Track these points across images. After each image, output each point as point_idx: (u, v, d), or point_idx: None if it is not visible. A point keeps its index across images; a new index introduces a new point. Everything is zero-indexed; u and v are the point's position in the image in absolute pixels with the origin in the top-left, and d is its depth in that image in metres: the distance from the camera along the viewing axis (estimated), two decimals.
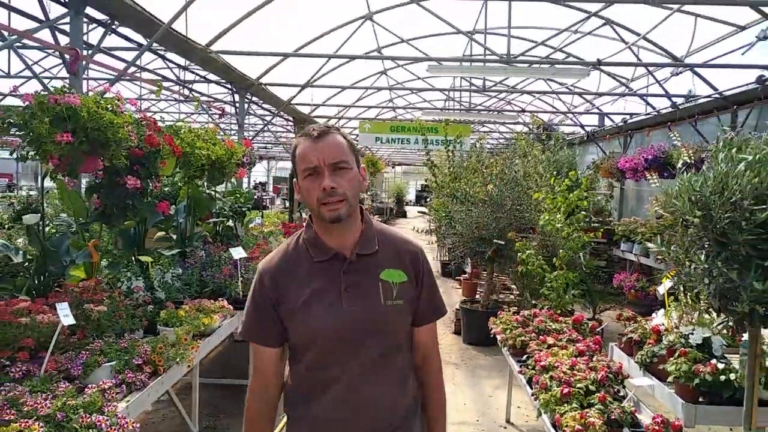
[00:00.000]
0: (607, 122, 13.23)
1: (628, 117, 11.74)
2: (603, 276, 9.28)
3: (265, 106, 12.33)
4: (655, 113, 10.59)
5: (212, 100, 11.22)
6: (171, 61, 9.37)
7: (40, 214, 3.62)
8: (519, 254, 5.84)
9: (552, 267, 5.69)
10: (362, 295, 1.65)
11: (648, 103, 10.79)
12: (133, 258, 4.40)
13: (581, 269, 6.13)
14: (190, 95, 9.67)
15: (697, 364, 2.92)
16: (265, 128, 13.64)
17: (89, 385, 2.42)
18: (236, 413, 4.75)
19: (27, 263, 3.64)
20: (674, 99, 9.37)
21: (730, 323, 2.40)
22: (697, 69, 8.38)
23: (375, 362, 1.66)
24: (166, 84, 9.41)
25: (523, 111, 14.35)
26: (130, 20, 5.26)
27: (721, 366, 2.89)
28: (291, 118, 13.83)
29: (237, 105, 9.42)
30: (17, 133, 3.17)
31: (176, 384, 3.69)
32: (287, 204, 22.60)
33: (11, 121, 3.10)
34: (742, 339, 3.00)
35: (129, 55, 8.35)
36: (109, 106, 3.26)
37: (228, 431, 4.44)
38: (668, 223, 2.60)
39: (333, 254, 1.67)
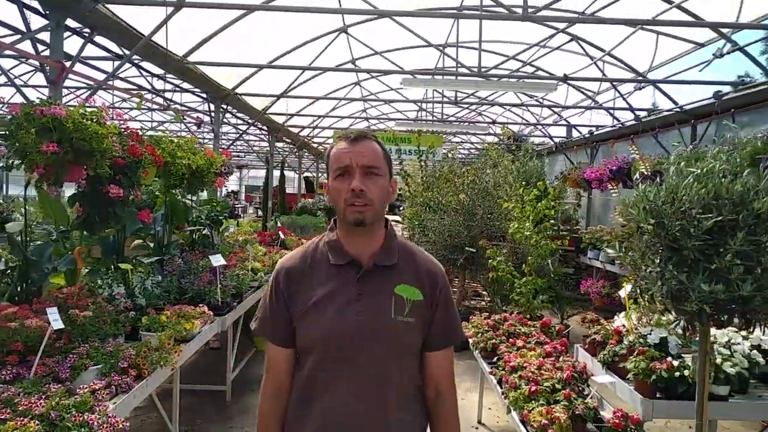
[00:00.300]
0: (575, 134, 13.62)
1: (594, 129, 12.12)
2: (571, 282, 9.58)
3: (239, 115, 12.39)
4: (620, 125, 10.97)
5: (187, 109, 11.24)
6: (146, 70, 9.39)
7: (22, 223, 3.67)
8: (490, 261, 6.04)
9: (521, 273, 5.90)
10: (373, 305, 1.62)
11: (613, 116, 11.17)
12: (112, 265, 4.47)
13: (549, 276, 6.36)
14: (166, 104, 9.69)
15: (654, 362, 3.13)
16: (240, 137, 13.65)
17: (80, 386, 2.51)
18: (214, 418, 4.83)
19: (9, 271, 3.69)
20: (637, 112, 9.74)
21: (682, 322, 2.60)
22: (658, 84, 8.75)
23: (375, 378, 1.61)
24: (137, 91, 9.43)
25: (494, 122, 14.67)
26: (111, 32, 5.33)
27: (676, 363, 3.11)
28: (265, 128, 13.90)
29: (212, 114, 9.48)
30: (2, 142, 3.25)
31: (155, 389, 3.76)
32: (260, 213, 22.64)
33: None
34: (696, 338, 3.22)
35: (104, 64, 8.42)
36: (93, 117, 3.35)
37: None
38: (631, 231, 2.80)
39: (350, 260, 1.66)
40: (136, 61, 8.42)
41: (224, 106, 9.85)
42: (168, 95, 10.68)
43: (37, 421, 2.16)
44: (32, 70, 10.87)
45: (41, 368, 2.65)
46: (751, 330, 2.50)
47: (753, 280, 2.33)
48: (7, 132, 3.16)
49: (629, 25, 7.19)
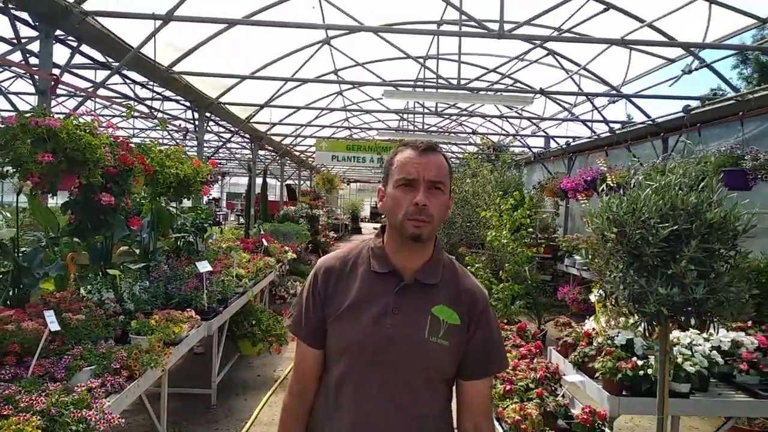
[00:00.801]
0: (553, 144, 13.95)
1: (571, 140, 12.45)
2: (548, 289, 9.83)
3: (222, 123, 12.49)
4: (596, 137, 11.30)
5: (171, 117, 11.32)
6: (130, 79, 9.47)
7: (14, 230, 3.77)
8: (468, 268, 6.24)
9: (499, 280, 6.11)
10: (408, 321, 1.57)
11: (589, 128, 11.50)
12: (101, 271, 4.57)
13: (526, 282, 6.58)
14: (151, 113, 9.78)
15: (620, 361, 3.33)
16: (224, 146, 13.74)
17: (77, 385, 2.63)
18: (200, 421, 4.94)
19: (1, 276, 3.78)
20: (611, 125, 10.06)
21: (644, 324, 2.80)
22: (631, 98, 9.06)
23: (401, 401, 1.57)
24: (123, 101, 9.50)
25: (474, 132, 14.94)
26: (99, 44, 5.44)
27: (640, 363, 3.32)
28: (248, 136, 14.00)
29: (196, 123, 9.59)
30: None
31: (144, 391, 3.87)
32: (241, 220, 22.59)
33: None
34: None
35: (89, 73, 8.49)
36: (86, 128, 3.48)
37: None
38: (597, 240, 3.00)
39: (392, 270, 1.61)
40: (116, 68, 8.53)
41: (208, 115, 9.96)
42: (150, 103, 10.77)
43: (38, 417, 2.28)
44: (14, 77, 10.88)
45: (38, 368, 2.76)
46: (707, 330, 2.69)
47: (706, 284, 2.54)
48: (2, 142, 3.28)
49: (601, 43, 7.48)
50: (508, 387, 3.50)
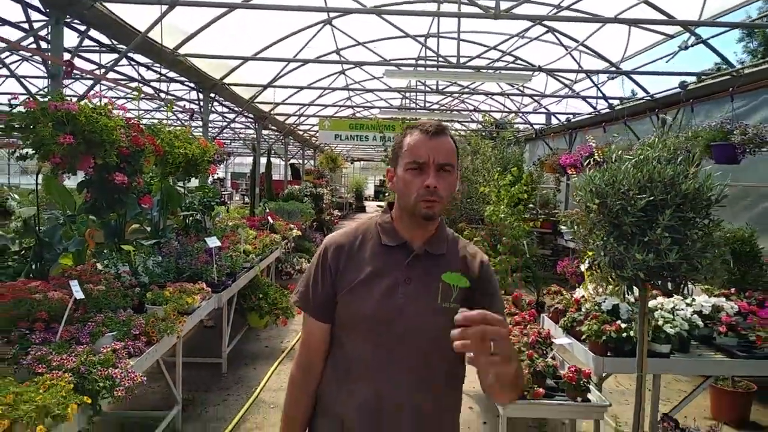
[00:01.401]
0: (554, 121, 14.06)
1: (572, 116, 12.56)
2: (548, 263, 10.05)
3: (225, 103, 12.66)
4: (596, 113, 11.41)
5: (176, 98, 11.48)
6: (134, 61, 9.63)
7: (35, 208, 4.00)
8: None
9: (497, 253, 6.32)
10: (420, 290, 1.63)
11: (589, 104, 11.61)
12: (115, 247, 4.81)
13: (524, 256, 6.78)
14: (157, 94, 9.95)
15: (605, 325, 3.56)
16: (228, 126, 13.90)
17: (102, 347, 2.88)
18: (211, 387, 5.22)
19: (23, 251, 4.02)
20: (611, 101, 10.17)
21: (624, 287, 3.02)
22: (630, 74, 9.17)
23: (419, 360, 1.62)
24: (130, 84, 9.68)
25: (476, 110, 15.05)
26: (107, 28, 5.61)
27: (624, 326, 3.54)
28: (251, 116, 14.15)
29: (201, 104, 9.76)
30: (18, 135, 3.57)
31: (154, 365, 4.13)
32: (246, 199, 22.77)
33: (14, 125, 3.51)
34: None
35: (93, 56, 8.64)
36: (102, 111, 3.68)
37: (206, 402, 4.90)
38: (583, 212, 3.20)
39: (402, 242, 1.68)
40: (124, 52, 8.70)
41: (212, 95, 10.13)
42: (155, 84, 10.93)
43: (69, 374, 2.52)
44: (20, 60, 11.04)
45: (65, 333, 3.00)
46: (681, 292, 2.90)
47: (680, 250, 2.74)
48: (23, 125, 3.49)
49: (596, 22, 7.59)
50: None
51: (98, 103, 3.83)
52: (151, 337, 3.43)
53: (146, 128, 4.59)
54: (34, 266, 3.88)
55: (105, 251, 4.65)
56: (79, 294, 2.99)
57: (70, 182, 5.21)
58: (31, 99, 3.54)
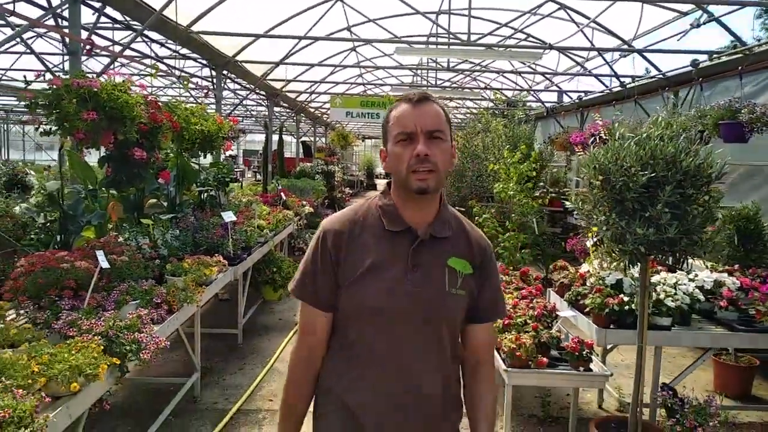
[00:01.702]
0: (566, 99, 14.03)
1: (583, 94, 12.53)
2: (559, 241, 10.14)
3: (237, 80, 12.76)
4: (608, 91, 11.39)
5: (189, 75, 11.58)
6: (148, 37, 9.73)
7: (60, 182, 4.16)
8: (476, 218, 6.56)
9: (506, 230, 6.44)
10: (428, 277, 1.58)
11: (601, 82, 11.58)
12: (135, 221, 4.97)
13: (533, 233, 6.90)
14: (170, 71, 10.05)
15: (608, 298, 3.67)
16: (241, 103, 14.01)
17: (128, 313, 3.04)
18: (227, 356, 5.42)
19: (48, 224, 4.19)
20: (622, 79, 10.15)
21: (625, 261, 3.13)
22: (643, 52, 9.14)
23: (426, 352, 1.59)
24: (145, 60, 9.77)
25: (487, 87, 15.02)
26: (124, 6, 5.72)
27: (626, 299, 3.66)
28: (263, 93, 14.24)
29: (213, 81, 9.86)
30: (43, 112, 3.71)
31: (174, 334, 4.31)
32: (258, 176, 22.91)
33: (39, 102, 3.64)
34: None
35: (106, 32, 8.75)
36: (122, 88, 3.81)
37: (223, 371, 5.10)
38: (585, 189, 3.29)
39: (406, 228, 1.60)
40: (137, 28, 8.80)
41: (225, 73, 10.22)
42: (168, 62, 11.04)
43: (99, 337, 2.69)
44: (34, 36, 11.17)
45: (92, 301, 3.17)
46: (681, 266, 3.00)
47: (679, 225, 2.84)
48: (48, 102, 3.62)
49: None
50: (506, 322, 3.87)
51: (118, 81, 3.95)
52: (172, 306, 3.60)
53: (163, 105, 4.71)
54: (59, 238, 4.05)
55: (125, 224, 4.82)
56: (104, 263, 3.15)
57: (91, 158, 5.38)
58: (56, 77, 3.67)
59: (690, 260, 3.36)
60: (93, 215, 4.30)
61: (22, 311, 3.08)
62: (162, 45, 10.01)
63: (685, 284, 3.92)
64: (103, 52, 6.06)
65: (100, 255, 3.16)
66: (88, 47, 4.53)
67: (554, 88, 14.09)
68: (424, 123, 1.55)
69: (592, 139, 3.37)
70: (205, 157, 6.19)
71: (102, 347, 2.65)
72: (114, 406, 4.06)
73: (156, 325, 3.30)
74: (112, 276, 3.59)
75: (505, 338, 3.63)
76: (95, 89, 3.58)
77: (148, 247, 4.32)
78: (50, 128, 3.75)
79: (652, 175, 2.84)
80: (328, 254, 1.61)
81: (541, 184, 11.49)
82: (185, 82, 6.28)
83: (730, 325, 3.76)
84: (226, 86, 13.24)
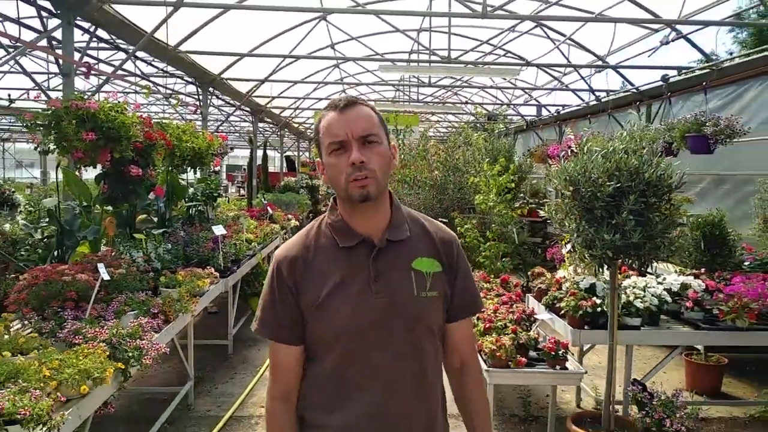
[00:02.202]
0: (545, 112, 14.40)
1: (561, 108, 12.91)
2: (538, 251, 10.41)
3: (222, 97, 12.95)
4: (585, 104, 11.76)
5: (173, 92, 11.75)
6: (134, 56, 9.89)
7: (57, 199, 4.31)
8: (458, 229, 6.79)
9: (486, 239, 6.67)
10: (393, 284, 1.51)
11: (578, 96, 11.95)
12: (128, 235, 5.13)
13: (513, 242, 7.13)
14: (156, 88, 10.21)
15: (582, 300, 3.91)
16: (227, 120, 14.18)
17: (130, 322, 3.21)
18: (218, 366, 5.57)
19: (45, 239, 4.34)
20: (597, 93, 10.52)
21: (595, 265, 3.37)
22: (617, 68, 9.50)
23: (407, 364, 1.53)
24: (129, 78, 9.92)
25: (468, 102, 15.36)
26: (115, 28, 5.90)
27: (599, 301, 3.89)
28: (248, 109, 14.43)
29: (200, 98, 10.04)
30: (42, 131, 3.87)
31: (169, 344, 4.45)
32: (241, 192, 23.05)
33: (38, 122, 3.81)
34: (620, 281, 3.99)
35: (93, 52, 8.90)
36: (118, 109, 4.00)
37: (214, 380, 5.25)
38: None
39: (360, 240, 1.53)
40: (123, 46, 8.97)
41: (211, 90, 10.41)
42: (154, 79, 11.20)
43: (103, 344, 2.85)
44: (19, 56, 11.29)
45: (93, 311, 3.33)
46: (646, 268, 3.24)
47: (643, 231, 3.09)
48: (47, 123, 3.79)
49: (578, 21, 7.93)
50: (487, 325, 4.08)
51: (113, 101, 4.13)
52: (168, 316, 3.76)
53: (156, 124, 4.89)
54: (56, 253, 4.20)
55: (118, 239, 4.97)
56: (106, 276, 3.32)
57: (87, 175, 5.53)
58: (54, 99, 3.85)
59: (656, 264, 3.61)
60: (88, 230, 4.45)
61: (26, 322, 3.23)
62: (148, 63, 10.19)
63: (653, 287, 4.16)
64: (97, 74, 6.20)
65: (101, 267, 3.32)
66: (85, 70, 4.69)
67: (533, 102, 14.47)
68: (355, 129, 1.47)
69: (563, 152, 3.60)
70: (195, 173, 6.36)
71: (107, 353, 2.81)
72: (112, 415, 4.19)
73: (153, 334, 3.46)
74: (110, 288, 3.74)
75: (486, 340, 3.83)
76: (93, 110, 3.76)
77: (142, 261, 4.48)
78: (49, 147, 3.93)
79: (618, 185, 3.09)
80: (285, 285, 1.53)
81: (521, 195, 11.79)
82: (176, 102, 6.43)
83: (695, 324, 4.01)
84: (211, 103, 13.43)
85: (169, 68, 10.11)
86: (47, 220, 4.32)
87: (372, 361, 1.50)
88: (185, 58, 8.01)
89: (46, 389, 2.38)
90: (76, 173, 4.50)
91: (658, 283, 4.25)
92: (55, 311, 3.25)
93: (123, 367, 2.83)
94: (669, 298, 4.07)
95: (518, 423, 4.49)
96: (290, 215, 10.67)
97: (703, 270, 4.80)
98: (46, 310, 3.27)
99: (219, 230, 5.39)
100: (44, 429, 2.14)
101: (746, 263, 5.15)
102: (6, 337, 2.87)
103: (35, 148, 4.00)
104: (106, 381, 2.63)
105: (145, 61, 10.14)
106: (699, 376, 5.15)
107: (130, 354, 2.92)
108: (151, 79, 10.91)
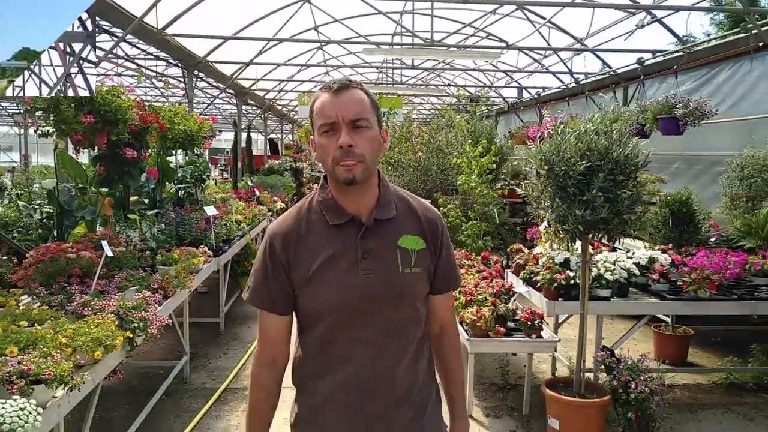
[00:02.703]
0: (526, 95, 14.65)
1: (541, 90, 13.16)
2: (519, 231, 10.71)
3: (206, 79, 13.00)
4: (564, 87, 12.02)
5: (158, 74, 11.78)
6: (117, 37, 9.91)
7: (55, 180, 4.46)
8: (441, 209, 7.04)
9: (468, 219, 6.92)
10: (380, 261, 1.58)
11: (558, 78, 12.20)
12: (122, 216, 5.29)
13: (494, 222, 7.40)
14: (141, 70, 10.25)
15: (557, 274, 4.18)
16: (212, 103, 14.22)
17: (135, 295, 3.41)
18: (210, 343, 5.81)
19: (44, 220, 4.49)
20: (576, 76, 10.78)
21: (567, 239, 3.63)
22: (595, 51, 9.75)
23: (392, 335, 1.60)
24: (115, 60, 9.96)
25: (451, 84, 15.55)
26: (102, 12, 5.99)
27: (572, 275, 4.16)
28: (232, 92, 14.47)
29: (185, 81, 10.11)
30: (41, 115, 4.02)
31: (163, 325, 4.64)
32: (224, 175, 23.05)
33: (37, 106, 3.96)
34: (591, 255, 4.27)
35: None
36: (115, 93, 4.15)
37: (208, 355, 5.47)
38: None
39: (349, 218, 1.60)
40: (106, 27, 9.00)
41: (196, 72, 10.47)
42: (138, 61, 11.22)
43: (112, 315, 3.05)
44: None
45: (97, 286, 3.52)
46: (613, 242, 3.50)
47: (611, 207, 3.34)
48: (46, 107, 3.94)
49: (558, 6, 8.15)
50: (468, 298, 4.34)
51: (109, 85, 4.28)
52: (167, 291, 3.96)
53: (149, 107, 5.04)
54: (56, 233, 4.36)
55: (114, 219, 5.14)
56: (109, 252, 3.50)
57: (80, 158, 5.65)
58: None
59: (626, 239, 3.88)
60: (86, 211, 4.61)
61: (34, 296, 3.41)
62: (133, 46, 10.21)
63: (623, 261, 4.44)
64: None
65: (105, 244, 3.50)
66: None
67: (514, 84, 14.70)
68: (346, 112, 1.52)
69: (539, 134, 3.84)
70: (185, 156, 6.51)
71: (116, 323, 3.02)
72: (112, 388, 4.41)
73: (157, 306, 3.66)
74: (111, 265, 3.93)
75: (467, 312, 4.10)
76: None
77: (138, 240, 4.66)
78: (48, 130, 4.08)
79: (589, 164, 3.33)
80: (278, 259, 1.60)
81: (503, 176, 12.05)
82: (166, 85, 6.55)
83: (661, 295, 4.31)
84: (196, 85, 13.46)
85: (154, 51, 10.18)
86: (44, 201, 4.46)
87: (358, 334, 1.58)
88: (171, 41, 8.09)
89: (63, 354, 2.58)
90: (76, 155, 4.64)
91: (628, 257, 4.53)
92: (62, 286, 3.43)
93: (131, 335, 3.03)
94: (637, 272, 4.36)
95: (497, 391, 4.78)
96: (276, 197, 10.83)
97: (670, 245, 5.11)
98: (53, 286, 3.44)
99: (211, 211, 5.57)
100: (66, 388, 2.35)
101: (712, 239, 5.47)
102: (18, 310, 3.05)
103: (34, 131, 4.13)
104: (116, 348, 2.84)
105: (130, 44, 10.17)
106: (666, 347, 5.48)
107: (136, 325, 3.12)
108: (136, 61, 10.96)
